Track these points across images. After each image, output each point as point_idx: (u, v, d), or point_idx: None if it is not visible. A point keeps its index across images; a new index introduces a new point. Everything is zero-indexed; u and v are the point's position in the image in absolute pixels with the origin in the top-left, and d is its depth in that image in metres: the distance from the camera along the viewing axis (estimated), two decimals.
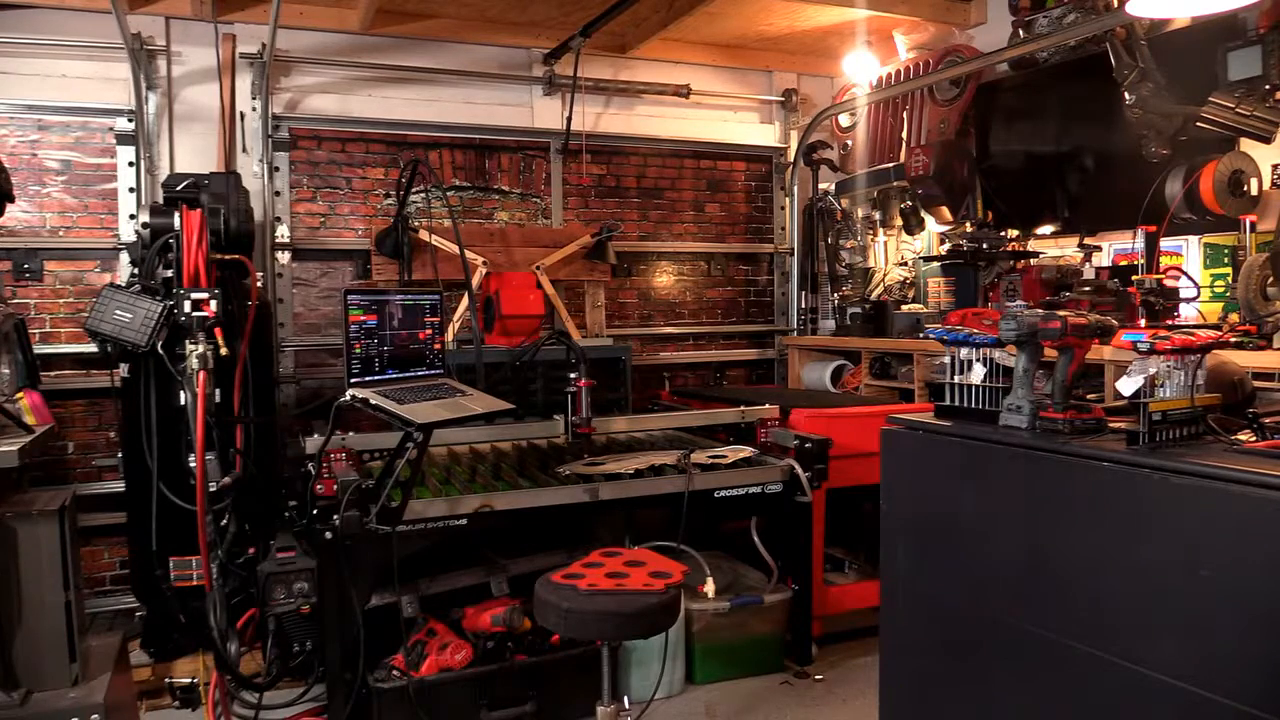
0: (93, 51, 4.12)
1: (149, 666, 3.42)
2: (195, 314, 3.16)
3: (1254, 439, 1.76)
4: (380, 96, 4.68)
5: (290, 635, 3.15)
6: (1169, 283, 3.41)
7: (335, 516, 2.85)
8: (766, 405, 3.92)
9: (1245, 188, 3.37)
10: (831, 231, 5.35)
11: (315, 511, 2.93)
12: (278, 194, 4.50)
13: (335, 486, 2.90)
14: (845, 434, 3.67)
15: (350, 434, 3.53)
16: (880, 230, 5.13)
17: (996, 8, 4.50)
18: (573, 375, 3.62)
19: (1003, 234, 4.37)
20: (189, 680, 3.34)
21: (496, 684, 3.11)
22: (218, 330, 3.21)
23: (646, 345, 5.34)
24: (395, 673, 3.05)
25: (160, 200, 3.63)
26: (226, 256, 3.46)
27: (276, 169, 4.48)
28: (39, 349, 3.65)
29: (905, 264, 5.14)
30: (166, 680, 3.39)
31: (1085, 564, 1.74)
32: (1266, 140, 3.25)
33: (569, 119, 4.87)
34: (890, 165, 4.85)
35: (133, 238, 3.98)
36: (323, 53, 4.57)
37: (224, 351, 3.22)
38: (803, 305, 5.51)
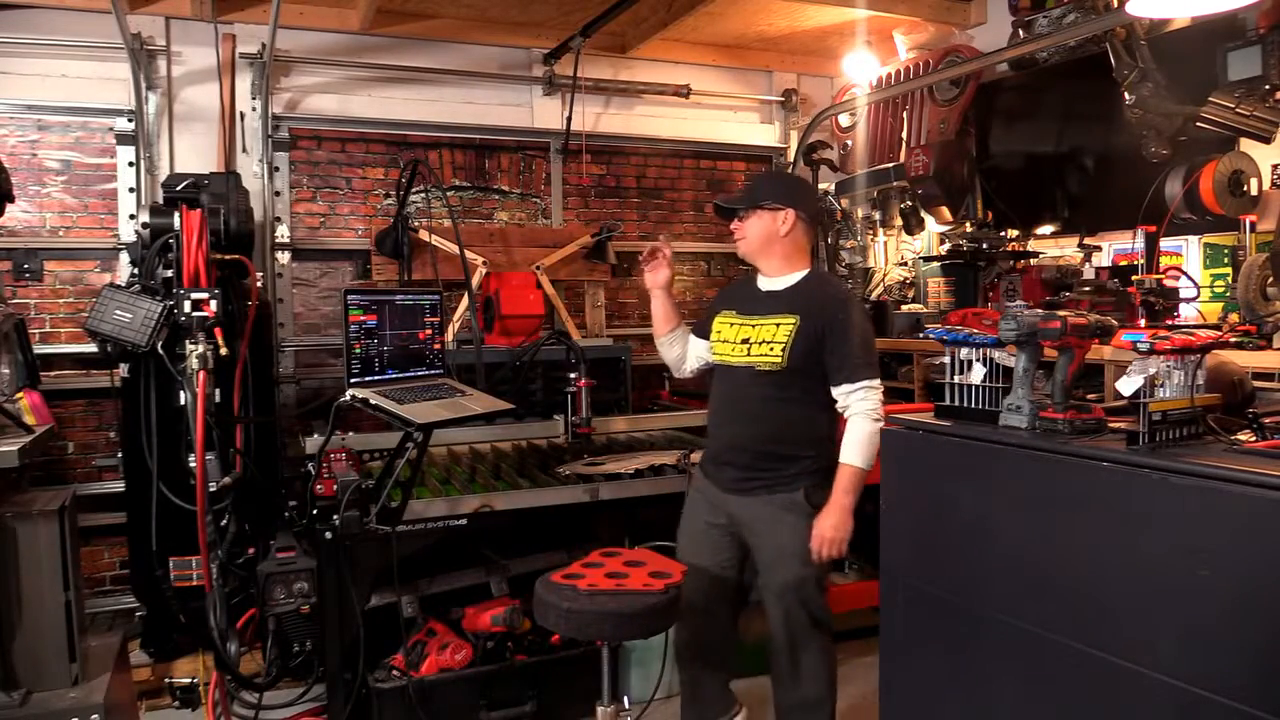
0: (93, 51, 4.11)
1: (149, 666, 3.42)
2: (195, 314, 3.16)
3: (1254, 439, 1.75)
4: (380, 96, 4.67)
5: (290, 635, 3.14)
6: (1169, 283, 3.40)
7: (335, 516, 2.86)
8: None
9: (1245, 188, 3.37)
10: (831, 231, 5.34)
11: (315, 511, 2.94)
12: (278, 194, 4.49)
13: (335, 486, 2.90)
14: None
15: (350, 434, 3.53)
16: (880, 230, 5.13)
17: (996, 8, 4.49)
18: (573, 375, 3.62)
19: (1003, 234, 4.36)
20: (189, 680, 3.34)
21: (496, 684, 3.11)
22: (218, 330, 3.20)
23: (646, 345, 5.32)
24: (395, 673, 3.05)
25: (160, 200, 3.62)
26: (226, 256, 3.46)
27: (276, 169, 4.48)
28: (39, 349, 3.64)
29: (905, 264, 5.13)
30: (166, 680, 3.39)
31: (1085, 564, 1.74)
32: (1266, 140, 3.25)
33: (569, 119, 4.87)
34: (890, 165, 4.84)
35: (133, 238, 3.97)
36: (323, 53, 4.56)
37: (224, 351, 3.21)
38: None
